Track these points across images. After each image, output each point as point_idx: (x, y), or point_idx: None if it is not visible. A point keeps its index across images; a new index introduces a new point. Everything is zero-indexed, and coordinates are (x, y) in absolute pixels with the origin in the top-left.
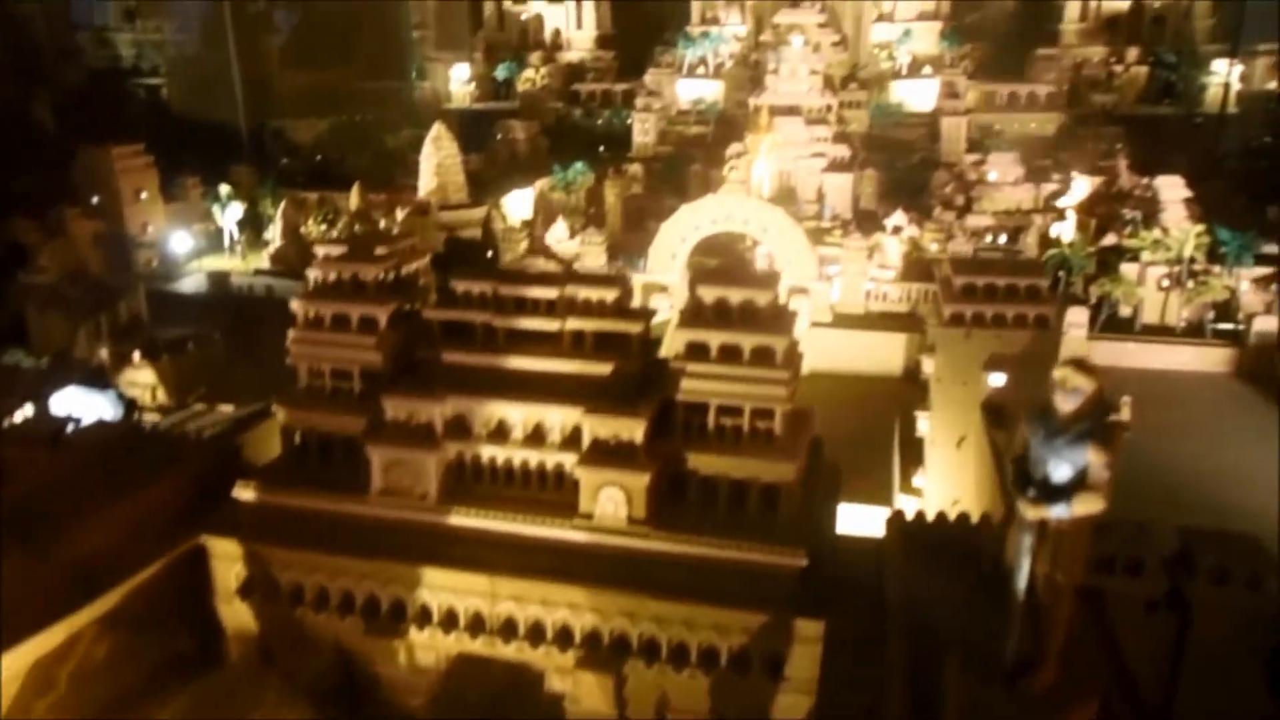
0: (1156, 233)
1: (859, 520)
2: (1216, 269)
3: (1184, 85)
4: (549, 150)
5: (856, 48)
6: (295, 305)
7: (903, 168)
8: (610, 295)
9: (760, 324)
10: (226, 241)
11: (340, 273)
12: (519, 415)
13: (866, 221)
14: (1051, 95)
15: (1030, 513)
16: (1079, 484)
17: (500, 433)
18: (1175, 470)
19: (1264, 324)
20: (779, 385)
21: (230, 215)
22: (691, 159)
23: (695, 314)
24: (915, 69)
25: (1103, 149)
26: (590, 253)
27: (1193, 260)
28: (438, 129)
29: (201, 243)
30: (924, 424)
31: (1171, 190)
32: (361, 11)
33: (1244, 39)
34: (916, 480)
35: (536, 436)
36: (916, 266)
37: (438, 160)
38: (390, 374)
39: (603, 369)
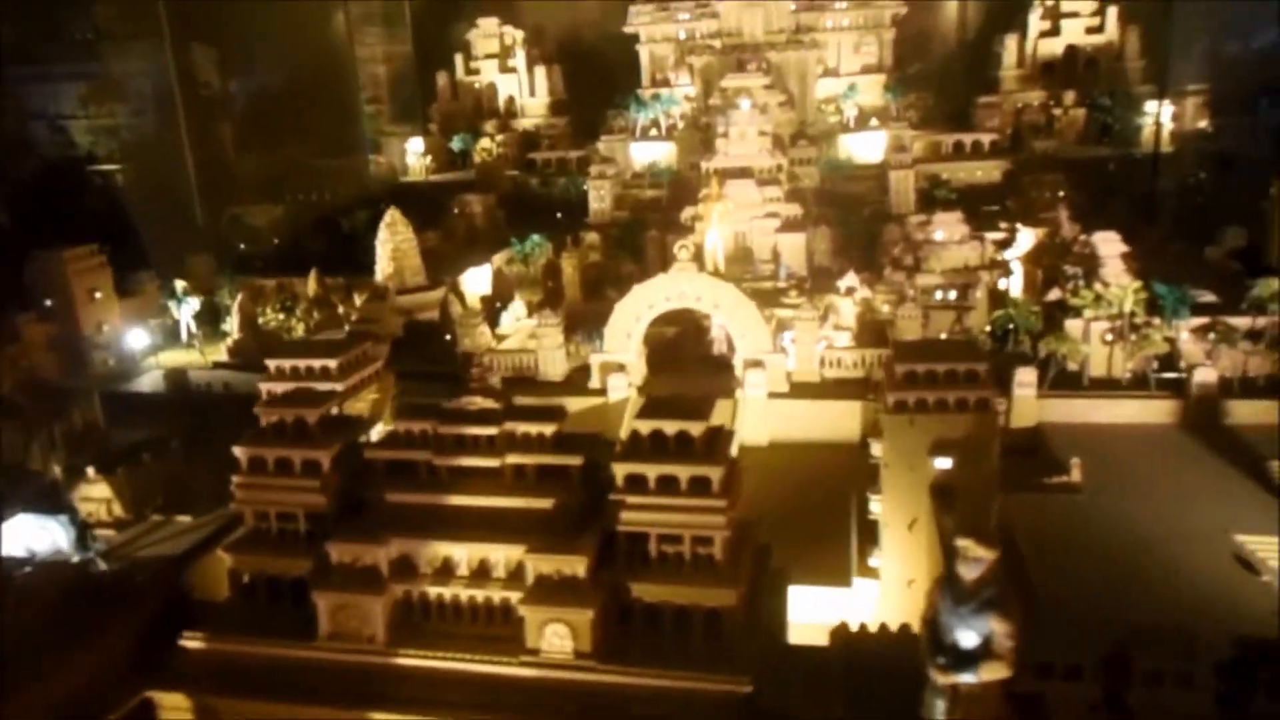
0: (1098, 288)
1: (817, 604)
2: (1156, 321)
3: (1119, 126)
4: (507, 221)
5: (803, 104)
6: (238, 451)
7: (855, 222)
8: (549, 429)
9: (695, 454)
10: (184, 335)
11: (283, 416)
12: (463, 554)
13: (822, 278)
14: (995, 142)
15: (941, 679)
16: (985, 651)
17: (445, 571)
18: (1125, 531)
19: (1204, 375)
20: (716, 513)
21: (186, 309)
22: (647, 224)
23: (633, 447)
24: (862, 121)
25: (1045, 196)
26: (547, 335)
27: (1133, 314)
28: (392, 214)
29: (159, 338)
30: (876, 506)
31: (1109, 246)
32: (313, 89)
33: (1173, 80)
34: (873, 560)
35: (481, 573)
36: (871, 328)
37: (393, 245)
38: (335, 514)
39: (544, 503)
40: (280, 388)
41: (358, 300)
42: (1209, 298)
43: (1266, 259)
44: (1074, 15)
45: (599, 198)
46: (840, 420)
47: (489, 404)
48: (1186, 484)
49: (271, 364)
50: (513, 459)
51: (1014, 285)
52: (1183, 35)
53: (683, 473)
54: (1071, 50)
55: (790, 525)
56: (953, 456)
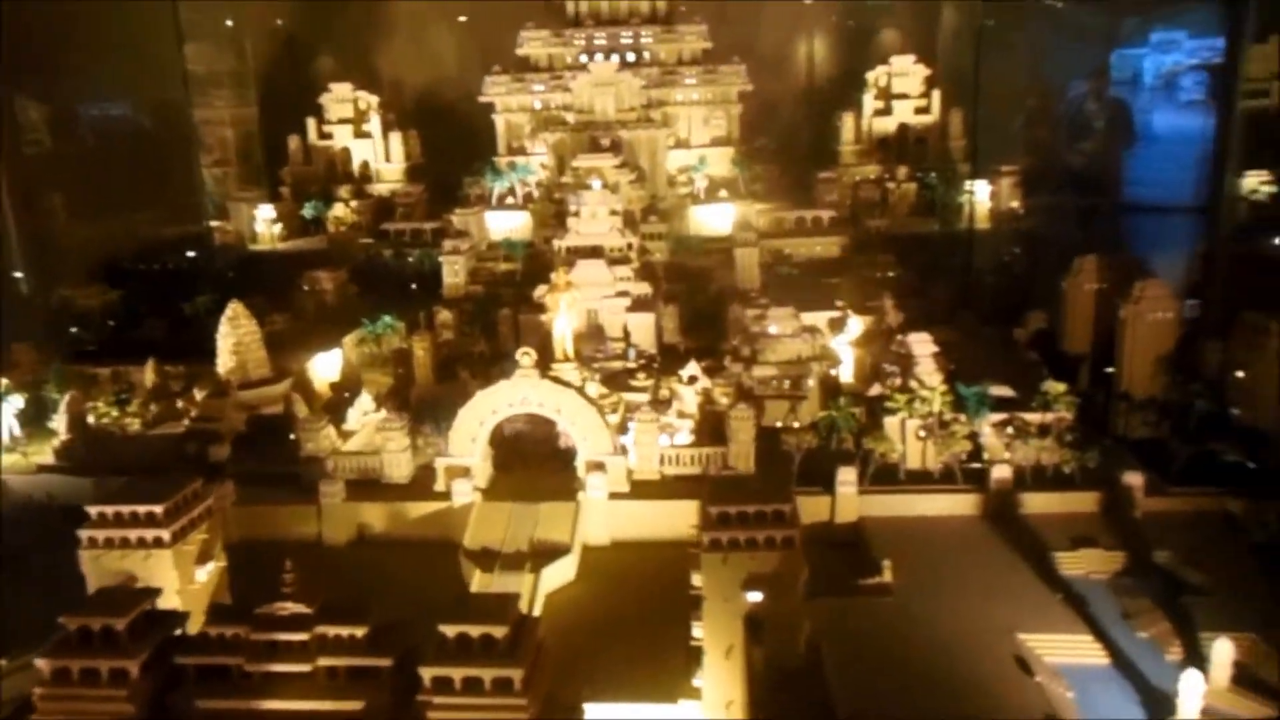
0: (913, 385)
1: None
2: (962, 418)
3: (943, 203)
4: (359, 297)
5: (654, 179)
6: (40, 663)
7: (702, 299)
8: (360, 630)
9: (499, 654)
10: (5, 437)
11: (89, 624)
12: None
13: (670, 358)
14: (833, 218)
15: None
16: None
17: None
18: (926, 634)
19: (1000, 471)
20: (519, 711)
21: (7, 409)
22: (501, 300)
23: (439, 649)
24: (712, 193)
25: (876, 276)
26: (391, 439)
27: (941, 413)
28: (234, 308)
29: None
30: (698, 631)
31: (921, 346)
32: (149, 153)
33: (988, 160)
34: (696, 681)
35: None
36: (711, 419)
37: (235, 339)
38: None
39: (355, 705)
40: (102, 535)
41: (198, 394)
42: (1007, 393)
43: (1061, 343)
44: (904, 96)
45: (453, 272)
46: (681, 518)
47: (300, 608)
48: (985, 580)
49: (93, 510)
50: (324, 662)
51: (845, 372)
52: (990, 116)
53: (486, 674)
54: (903, 128)
55: (624, 636)
56: (762, 590)
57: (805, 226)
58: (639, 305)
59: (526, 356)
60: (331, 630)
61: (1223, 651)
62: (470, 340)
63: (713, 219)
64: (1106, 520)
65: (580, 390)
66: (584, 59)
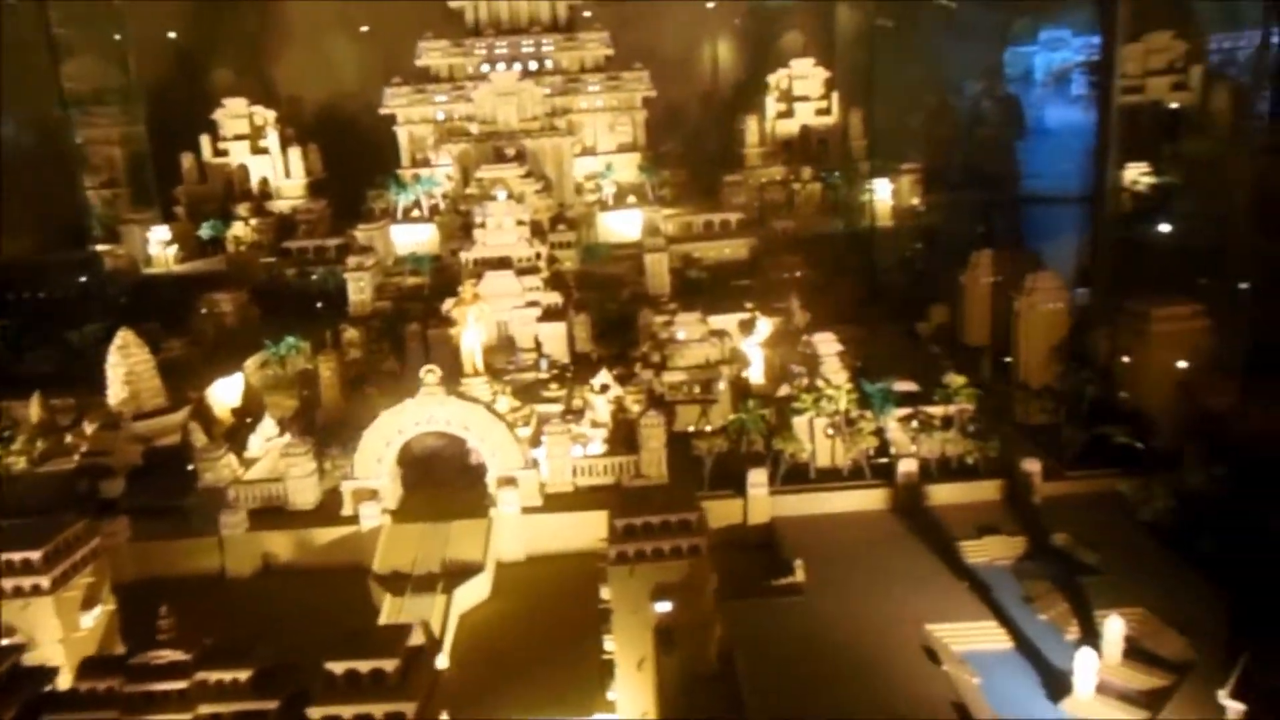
0: (820, 385)
1: None
2: (868, 414)
3: (845, 202)
4: (261, 319)
5: (560, 188)
6: None
7: (613, 306)
8: (244, 674)
9: (388, 691)
10: None
11: None
12: None
13: (583, 366)
14: (741, 220)
15: None
16: None
17: None
18: (837, 631)
19: (906, 465)
20: None
21: None
22: (409, 314)
23: (329, 685)
24: (620, 199)
25: (784, 276)
26: (296, 464)
27: (848, 411)
28: (123, 336)
29: None
30: (609, 644)
31: (826, 345)
32: (27, 175)
33: (890, 158)
34: (610, 694)
35: None
36: (623, 428)
37: (127, 368)
38: None
39: None
40: None
41: (88, 428)
42: (912, 388)
43: (961, 336)
44: (805, 99)
45: (359, 289)
46: (595, 529)
47: (177, 655)
48: (893, 573)
49: None
50: (205, 709)
51: (755, 374)
52: (888, 115)
53: (377, 710)
54: (805, 130)
55: (538, 652)
56: (671, 600)
57: (713, 230)
58: (549, 315)
59: (431, 374)
60: (213, 676)
61: (1114, 628)
62: (379, 358)
63: (621, 225)
64: (1009, 507)
65: (489, 406)
66: (485, 68)
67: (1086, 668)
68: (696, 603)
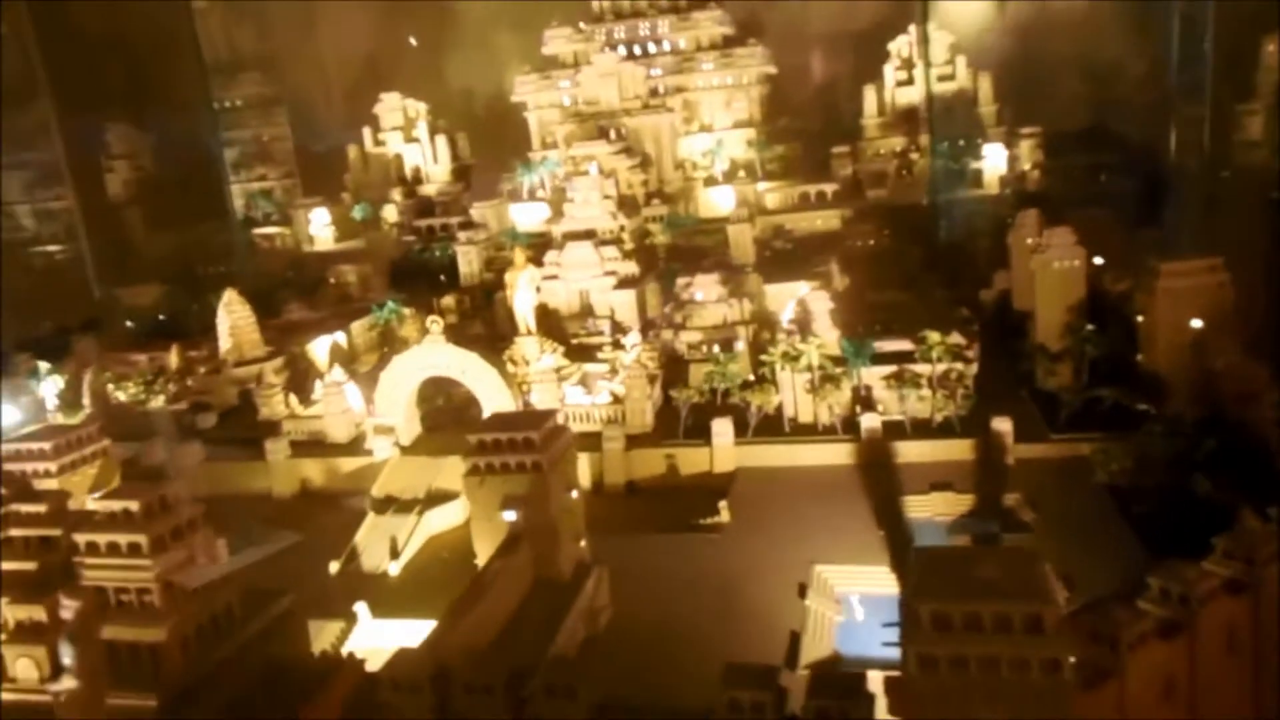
0: (795, 344)
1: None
2: (844, 371)
3: (944, 172)
4: (388, 287)
5: (661, 163)
6: None
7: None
8: (43, 507)
9: (136, 522)
10: (48, 411)
11: None
12: None
13: (653, 329)
14: (838, 192)
15: None
16: None
17: None
18: (739, 567)
19: (870, 421)
20: (146, 571)
21: (49, 387)
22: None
23: (85, 519)
24: (732, 175)
25: (858, 244)
26: (331, 399)
27: (823, 367)
28: (228, 295)
29: (28, 414)
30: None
31: (818, 304)
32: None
33: (1020, 123)
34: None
35: None
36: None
37: (230, 323)
38: None
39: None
40: None
41: (202, 374)
42: (904, 346)
43: (1014, 301)
44: (927, 64)
45: (467, 262)
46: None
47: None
48: (821, 520)
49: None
50: (15, 531)
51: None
52: (1025, 78)
53: (122, 539)
54: (929, 97)
55: (465, 565)
56: (518, 510)
57: (809, 201)
58: (624, 284)
59: (435, 324)
60: (24, 507)
61: None
62: (471, 325)
63: (720, 200)
64: (980, 467)
65: (485, 354)
66: (607, 53)
67: None
68: (540, 513)
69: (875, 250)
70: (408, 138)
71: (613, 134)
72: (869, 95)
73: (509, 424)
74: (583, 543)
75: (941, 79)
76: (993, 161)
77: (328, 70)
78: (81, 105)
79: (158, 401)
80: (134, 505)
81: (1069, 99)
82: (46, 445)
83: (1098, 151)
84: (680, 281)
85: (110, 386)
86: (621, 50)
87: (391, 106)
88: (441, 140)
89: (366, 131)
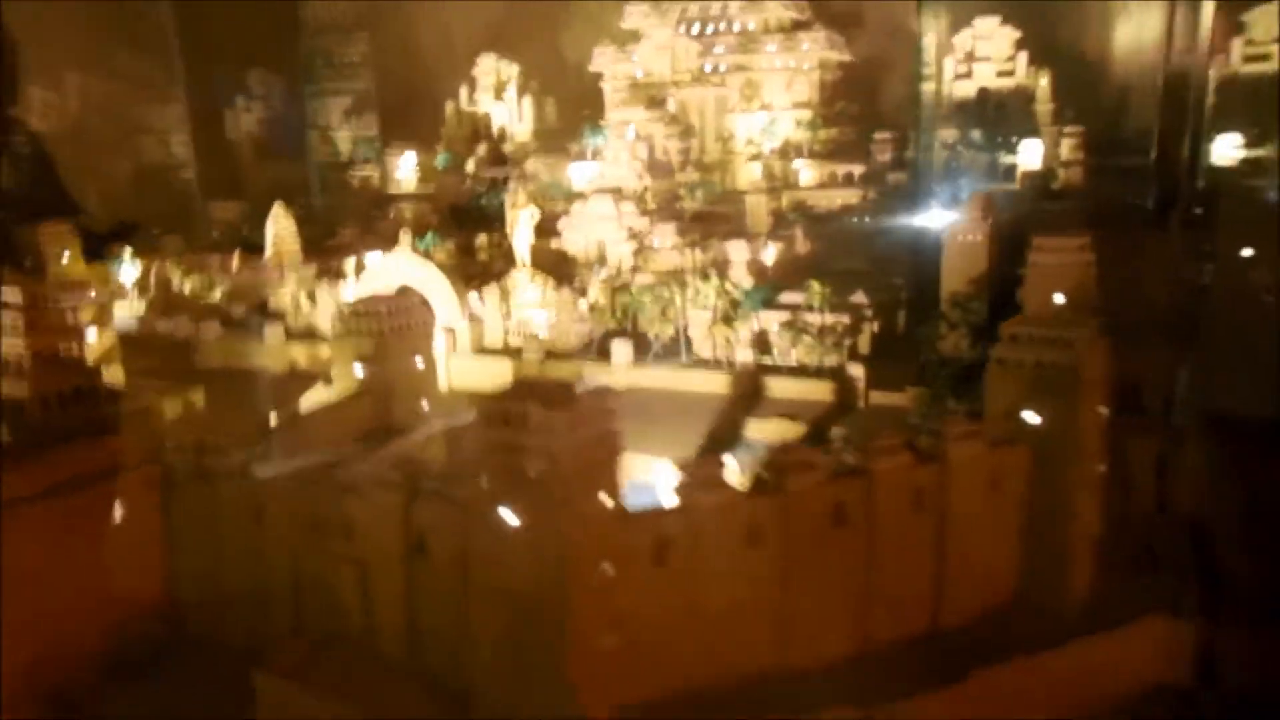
0: (698, 285)
1: None
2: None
3: (967, 165)
4: (441, 225)
5: (703, 135)
6: None
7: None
8: None
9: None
10: (127, 293)
11: None
12: None
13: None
14: (864, 174)
15: None
16: None
17: None
18: None
19: (742, 356)
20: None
21: (129, 272)
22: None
23: None
24: (781, 154)
25: (853, 222)
26: (321, 299)
27: (720, 307)
28: (276, 209)
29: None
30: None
31: (738, 252)
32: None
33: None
34: None
35: None
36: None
37: (275, 233)
38: None
39: None
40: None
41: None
42: (797, 299)
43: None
44: (986, 59)
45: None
46: (497, 372)
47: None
48: (665, 427)
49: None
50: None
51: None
52: (1076, 78)
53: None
54: (984, 93)
55: None
56: (366, 366)
57: (836, 181)
58: (633, 237)
59: (406, 237)
60: None
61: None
62: (495, 260)
63: (755, 173)
64: (835, 407)
65: (443, 269)
66: (681, 29)
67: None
68: (378, 371)
69: (862, 227)
70: (498, 97)
71: (670, 104)
72: (925, 86)
73: (373, 304)
74: (424, 403)
75: (1001, 74)
76: (1026, 157)
77: (433, 30)
78: (216, 55)
79: (214, 296)
80: (18, 298)
81: (1125, 101)
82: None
83: (1145, 155)
84: (643, 230)
85: (177, 278)
86: (695, 28)
87: (487, 69)
88: (528, 102)
89: (464, 90)
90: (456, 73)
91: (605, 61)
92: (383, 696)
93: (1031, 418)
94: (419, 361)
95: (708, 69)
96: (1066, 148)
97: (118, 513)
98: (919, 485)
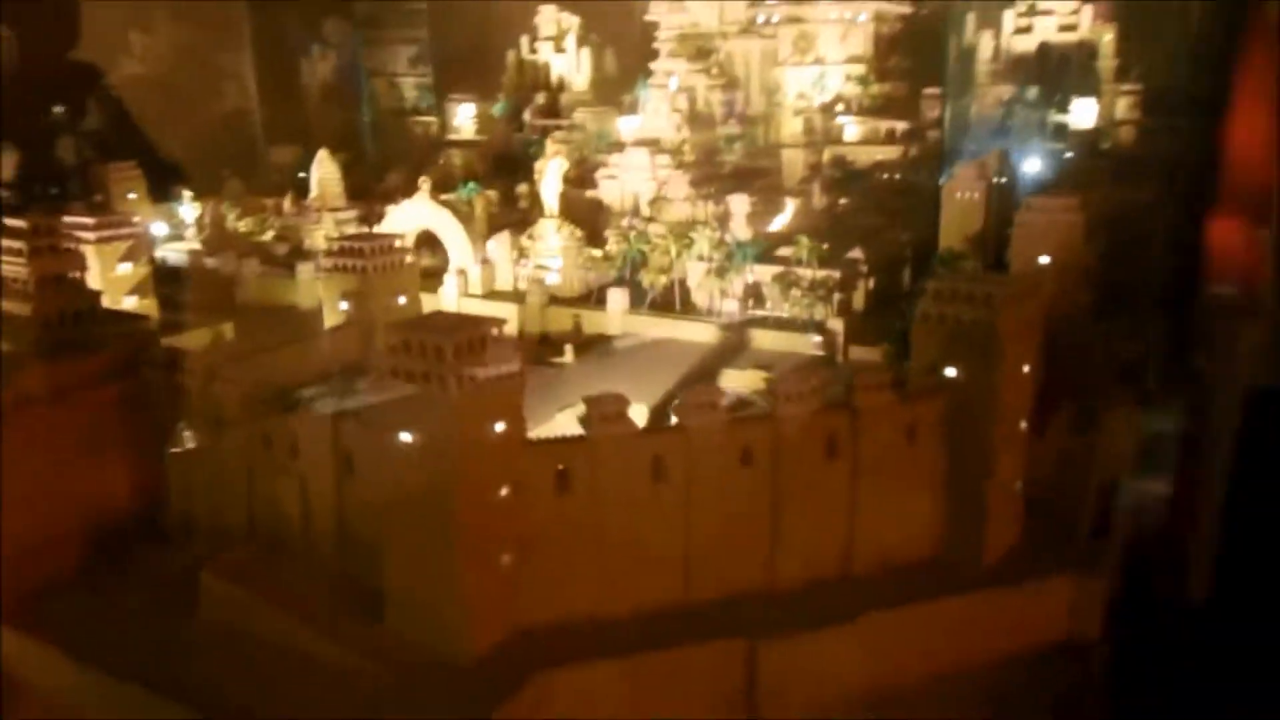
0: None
1: None
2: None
3: (1027, 123)
4: (483, 173)
5: (748, 88)
6: None
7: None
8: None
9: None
10: (186, 230)
11: None
12: None
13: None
14: (905, 132)
15: None
16: None
17: None
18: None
19: (729, 307)
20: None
21: (188, 211)
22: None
23: None
24: (830, 107)
25: (882, 179)
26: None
27: (712, 257)
28: (321, 153)
29: (172, 230)
30: None
31: (739, 206)
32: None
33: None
34: None
35: None
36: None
37: (319, 176)
38: None
39: None
40: None
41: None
42: (786, 252)
43: None
44: (1048, 13)
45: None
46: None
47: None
48: (642, 371)
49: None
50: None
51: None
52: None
53: (14, 245)
54: (1045, 47)
55: None
56: (349, 300)
57: (879, 137)
58: (662, 187)
59: (425, 183)
60: None
61: None
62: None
63: (798, 127)
64: (815, 361)
65: (457, 215)
66: None
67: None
68: (361, 306)
69: (891, 184)
70: (557, 48)
71: (719, 55)
72: (985, 41)
73: (358, 240)
74: None
75: (1063, 29)
76: (1079, 116)
77: None
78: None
79: (266, 236)
80: (25, 225)
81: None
82: (91, 220)
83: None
84: (658, 182)
85: (232, 217)
86: None
87: (548, 19)
88: (586, 54)
89: (525, 40)
90: (522, 22)
91: (660, 12)
92: (314, 606)
93: (950, 372)
94: (401, 299)
95: (760, 20)
96: (1122, 106)
97: (103, 418)
98: (828, 431)
